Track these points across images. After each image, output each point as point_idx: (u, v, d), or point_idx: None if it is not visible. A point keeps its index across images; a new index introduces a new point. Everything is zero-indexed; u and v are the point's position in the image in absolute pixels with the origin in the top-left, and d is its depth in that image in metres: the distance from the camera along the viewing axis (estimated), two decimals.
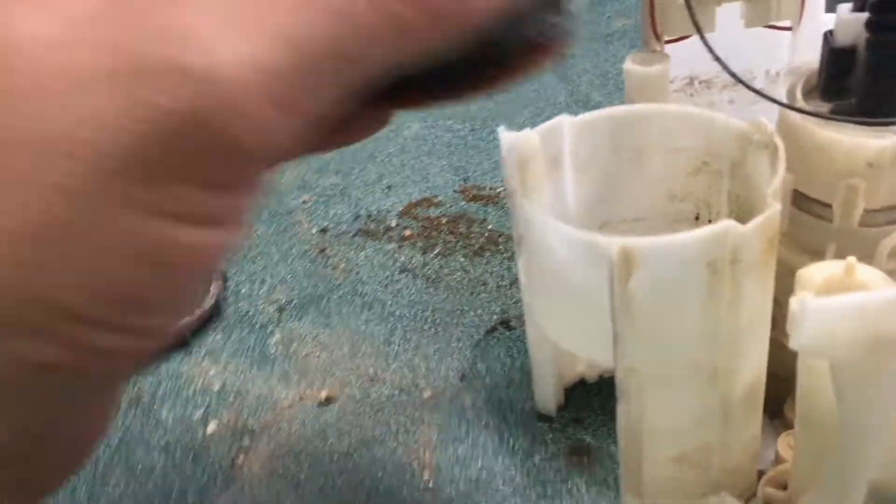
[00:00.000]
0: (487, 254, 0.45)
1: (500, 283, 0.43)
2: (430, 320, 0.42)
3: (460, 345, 0.40)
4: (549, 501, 0.33)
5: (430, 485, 0.34)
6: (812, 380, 0.23)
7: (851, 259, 0.22)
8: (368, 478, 0.35)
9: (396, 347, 0.40)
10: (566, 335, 0.27)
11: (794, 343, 0.21)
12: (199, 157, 0.14)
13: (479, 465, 0.34)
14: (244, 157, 0.14)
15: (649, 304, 0.24)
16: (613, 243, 0.23)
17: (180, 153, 0.13)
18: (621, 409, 0.26)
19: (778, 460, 0.29)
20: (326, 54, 0.14)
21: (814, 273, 0.23)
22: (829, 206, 0.27)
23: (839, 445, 0.23)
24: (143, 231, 0.14)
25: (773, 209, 0.23)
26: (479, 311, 0.42)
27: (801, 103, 0.27)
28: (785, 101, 0.27)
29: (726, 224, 0.22)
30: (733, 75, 0.28)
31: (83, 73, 0.13)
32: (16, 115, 0.13)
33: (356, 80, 0.15)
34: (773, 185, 0.24)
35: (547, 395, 0.36)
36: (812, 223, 0.28)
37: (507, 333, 0.40)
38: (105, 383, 0.15)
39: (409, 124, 0.56)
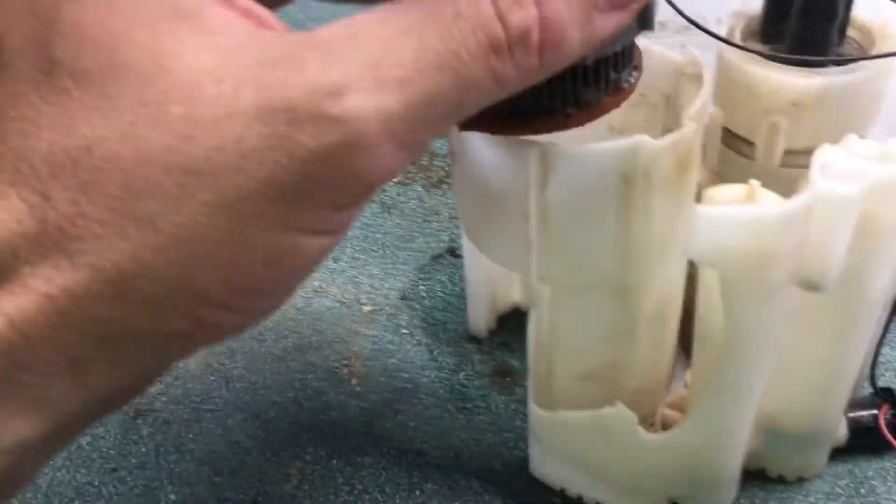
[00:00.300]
0: (445, 186, 0.46)
1: (452, 214, 0.44)
2: (379, 242, 0.43)
3: (406, 267, 0.41)
4: (466, 414, 0.34)
5: (357, 390, 0.35)
6: (710, 297, 0.24)
7: (754, 182, 0.23)
8: (299, 380, 0.36)
9: (344, 265, 0.41)
10: (488, 244, 0.28)
11: (688, 252, 0.22)
12: (330, 184, 0.16)
13: (406, 377, 0.36)
14: (366, 184, 0.17)
15: (564, 212, 0.25)
16: (533, 146, 0.23)
17: (315, 181, 0.16)
18: (532, 319, 0.27)
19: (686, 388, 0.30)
20: (437, 102, 0.16)
21: (718, 192, 0.24)
22: (753, 144, 0.28)
23: (727, 362, 0.24)
24: (275, 240, 0.16)
25: (686, 128, 0.24)
26: (428, 238, 0.43)
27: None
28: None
29: (639, 138, 0.23)
30: (678, 11, 0.28)
31: (237, 106, 0.15)
32: (173, 139, 0.15)
33: (457, 118, 0.18)
34: (692, 108, 0.24)
35: (479, 318, 0.37)
36: (738, 161, 0.29)
37: (453, 261, 0.41)
38: (201, 348, 0.18)
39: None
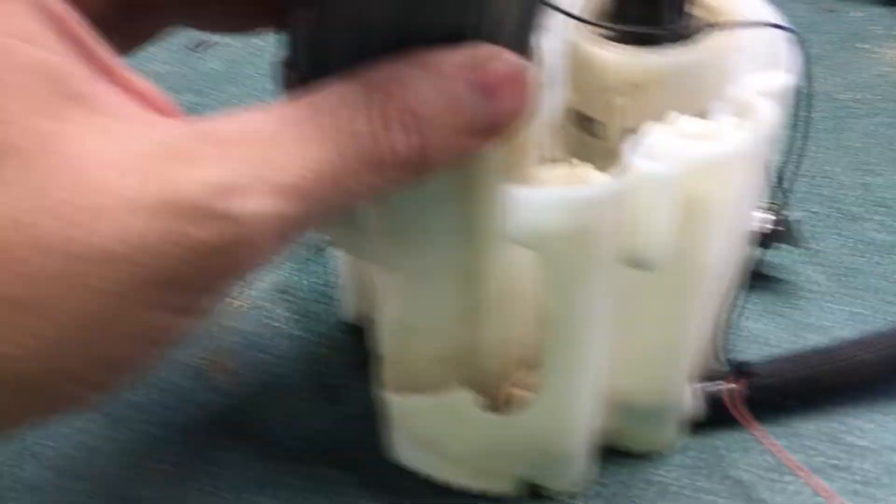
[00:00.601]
0: None
1: None
2: None
3: (283, 261, 0.40)
4: (335, 405, 0.33)
5: (224, 387, 0.34)
6: (539, 277, 0.24)
7: (577, 161, 0.23)
8: (162, 379, 0.35)
9: None
10: (332, 230, 0.28)
11: (506, 233, 0.22)
12: (215, 275, 0.17)
13: (277, 371, 0.35)
14: (247, 273, 0.18)
15: (401, 199, 0.24)
16: None
17: (201, 272, 0.17)
18: (379, 304, 0.27)
19: None
20: (321, 207, 0.18)
21: (545, 174, 0.24)
22: (600, 123, 0.28)
23: (559, 340, 0.24)
24: (155, 322, 0.17)
25: None
26: (309, 235, 0.42)
27: None
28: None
29: None
30: None
31: (136, 199, 0.16)
32: (72, 227, 0.15)
33: (329, 217, 0.19)
34: None
35: (350, 305, 0.36)
36: (588, 141, 0.29)
37: (333, 251, 0.41)
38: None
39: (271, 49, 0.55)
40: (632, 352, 0.27)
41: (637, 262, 0.23)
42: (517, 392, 0.28)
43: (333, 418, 0.33)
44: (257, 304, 0.38)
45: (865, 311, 0.36)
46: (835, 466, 0.30)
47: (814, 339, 0.34)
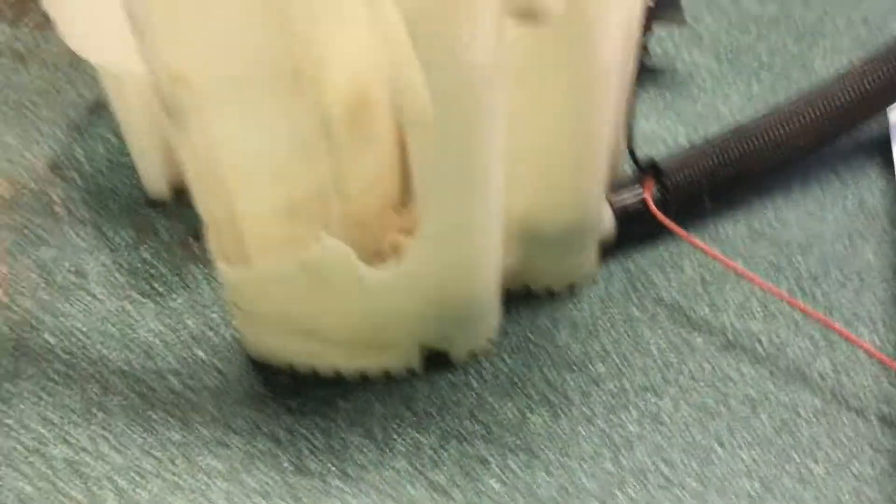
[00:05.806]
0: None
1: None
2: (14, 103, 0.32)
3: (54, 129, 0.31)
4: (156, 298, 0.26)
5: (2, 300, 0.26)
6: (404, 60, 0.17)
7: None
8: None
9: None
10: (85, 34, 0.19)
11: None
12: None
13: (68, 267, 0.26)
14: None
15: None
16: None
17: None
18: (181, 143, 0.19)
19: None
20: None
21: None
22: None
23: (441, 141, 0.18)
24: None
25: None
26: (81, 89, 0.32)
27: None
28: None
29: None
30: None
31: None
32: None
33: None
34: None
35: (154, 173, 0.28)
36: None
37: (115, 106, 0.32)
38: None
39: None
40: (531, 164, 0.21)
41: (530, 10, 0.16)
42: (399, 238, 0.22)
43: (159, 314, 0.25)
44: (25, 187, 0.29)
45: (761, 91, 0.32)
46: (773, 265, 0.26)
47: (714, 130, 0.30)
